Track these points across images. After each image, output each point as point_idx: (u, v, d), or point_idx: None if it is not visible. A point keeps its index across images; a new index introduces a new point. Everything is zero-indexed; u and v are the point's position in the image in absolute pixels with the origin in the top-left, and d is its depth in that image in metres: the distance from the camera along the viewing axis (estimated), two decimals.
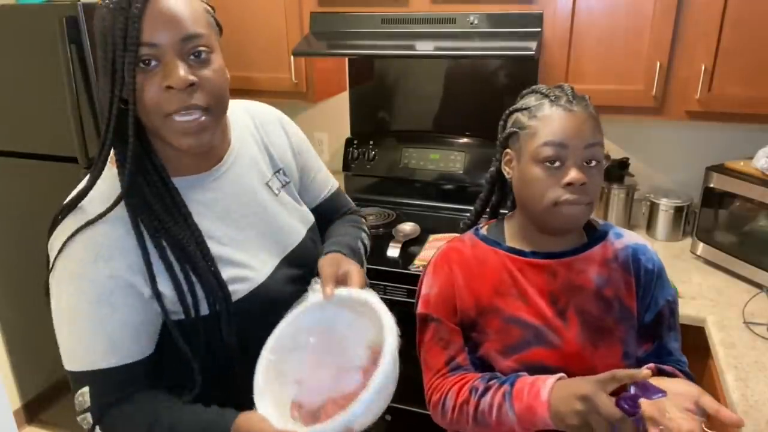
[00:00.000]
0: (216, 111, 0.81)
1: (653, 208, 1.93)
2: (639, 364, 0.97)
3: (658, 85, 1.64)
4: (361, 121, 2.38)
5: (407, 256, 1.81)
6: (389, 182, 2.25)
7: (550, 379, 0.84)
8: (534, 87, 0.96)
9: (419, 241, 1.91)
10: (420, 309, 1.01)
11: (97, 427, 0.83)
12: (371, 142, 2.25)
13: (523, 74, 2.07)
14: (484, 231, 1.04)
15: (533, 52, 1.60)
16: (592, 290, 0.94)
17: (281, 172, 1.02)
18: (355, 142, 2.28)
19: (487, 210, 1.10)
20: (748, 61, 1.57)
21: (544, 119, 0.89)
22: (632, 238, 1.01)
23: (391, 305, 1.89)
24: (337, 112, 2.39)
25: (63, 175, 1.84)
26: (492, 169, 1.05)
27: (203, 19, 0.79)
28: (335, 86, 2.28)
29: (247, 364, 0.84)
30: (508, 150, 0.97)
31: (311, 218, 1.07)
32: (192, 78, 0.76)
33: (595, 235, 0.99)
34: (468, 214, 1.13)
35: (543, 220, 0.91)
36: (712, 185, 1.71)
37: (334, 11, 1.89)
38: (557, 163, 0.87)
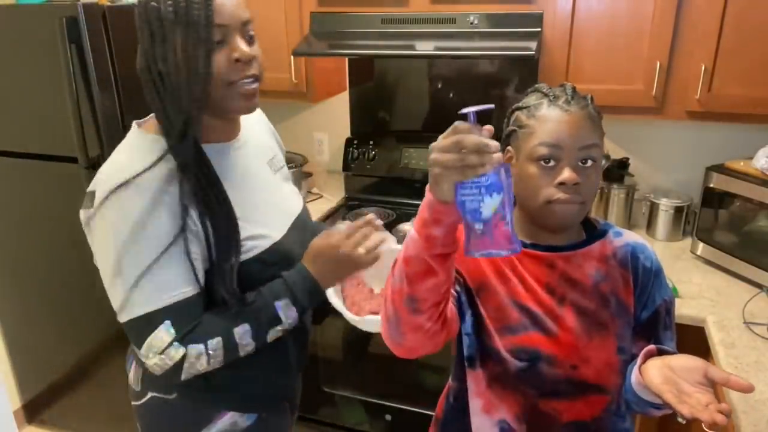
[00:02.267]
0: (261, 80, 0.98)
1: (653, 208, 1.93)
2: (634, 360, 0.97)
3: (658, 85, 1.64)
4: (361, 121, 2.38)
5: None
6: (389, 182, 2.25)
7: None
8: (537, 86, 0.96)
9: None
10: None
11: (188, 348, 0.94)
12: (371, 142, 2.25)
13: (523, 74, 2.07)
14: None
15: (533, 52, 1.60)
16: (589, 285, 0.95)
17: (275, 157, 1.19)
18: (355, 142, 2.28)
19: None
20: (748, 61, 1.57)
21: (541, 119, 0.89)
22: (631, 237, 1.01)
23: None
24: (337, 112, 2.39)
25: (63, 175, 1.84)
26: None
27: (247, 5, 0.96)
28: (335, 86, 2.28)
29: None
30: (509, 147, 0.96)
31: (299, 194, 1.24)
32: (253, 53, 0.94)
33: (594, 232, 1.00)
34: None
35: (538, 217, 0.93)
36: (712, 185, 1.71)
37: (334, 11, 1.89)
38: (552, 163, 0.88)
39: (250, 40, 0.95)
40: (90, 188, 0.94)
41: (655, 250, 1.02)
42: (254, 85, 0.96)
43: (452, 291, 0.92)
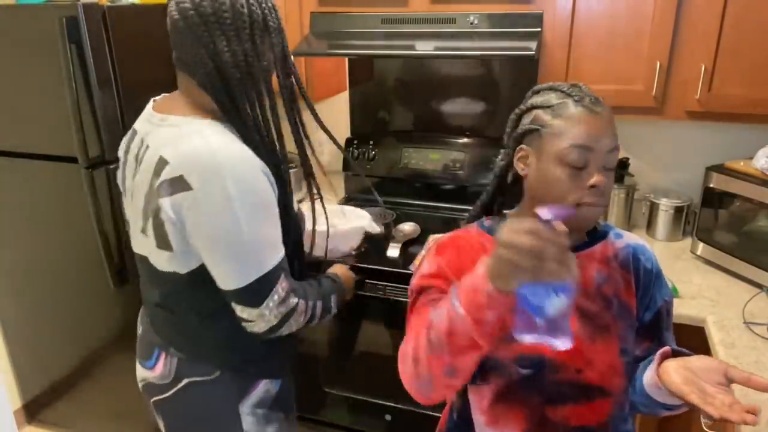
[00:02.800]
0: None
1: (653, 208, 1.93)
2: (637, 361, 0.97)
3: (658, 85, 1.64)
4: (361, 121, 2.38)
5: (407, 256, 1.81)
6: (389, 182, 2.25)
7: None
8: (551, 84, 0.94)
9: (419, 241, 1.91)
10: (415, 282, 0.96)
11: (300, 299, 1.10)
12: (371, 142, 2.25)
13: (523, 74, 2.07)
14: (487, 224, 1.03)
15: (533, 52, 1.60)
16: (592, 287, 0.94)
17: None
18: (355, 142, 2.28)
19: (494, 204, 1.08)
20: (748, 61, 1.57)
21: (570, 119, 0.87)
22: (632, 238, 1.01)
23: (391, 305, 1.90)
24: (337, 112, 2.39)
25: (63, 175, 1.84)
26: (502, 163, 1.03)
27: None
28: (335, 86, 2.28)
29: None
30: (523, 146, 0.94)
31: None
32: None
33: (595, 234, 1.00)
34: (470, 209, 1.11)
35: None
36: (712, 185, 1.71)
37: (334, 11, 1.89)
38: (581, 166, 0.87)
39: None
40: (182, 171, 0.98)
41: (655, 250, 1.02)
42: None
43: None
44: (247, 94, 1.04)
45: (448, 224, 2.05)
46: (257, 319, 1.05)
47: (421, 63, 2.20)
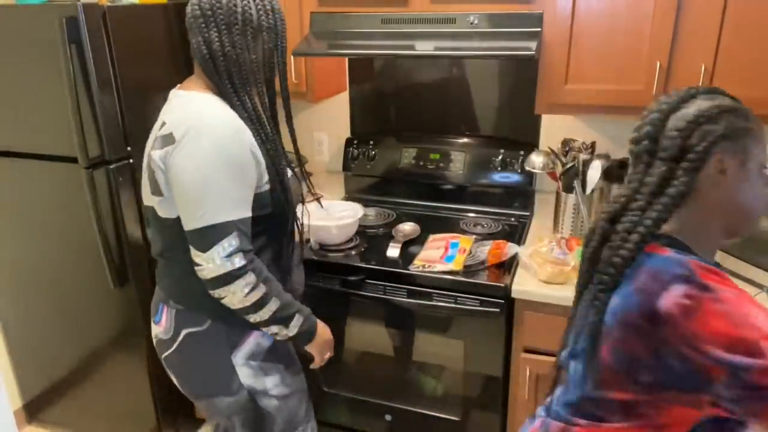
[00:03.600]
0: None
1: None
2: None
3: (658, 85, 1.64)
4: (361, 121, 2.38)
5: (407, 256, 1.81)
6: (389, 182, 2.25)
7: None
8: (716, 88, 0.92)
9: (419, 241, 1.91)
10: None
11: (248, 265, 1.17)
12: (371, 142, 2.25)
13: (523, 74, 2.07)
14: (701, 259, 0.87)
15: (533, 52, 1.60)
16: None
17: None
18: (355, 142, 2.28)
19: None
20: (748, 61, 1.57)
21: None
22: None
23: (391, 305, 1.89)
24: (337, 112, 2.39)
25: (63, 175, 1.84)
26: (685, 179, 0.86)
27: None
28: (335, 86, 2.28)
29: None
30: (722, 156, 0.85)
31: None
32: None
33: None
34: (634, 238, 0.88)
35: (744, 229, 0.90)
36: None
37: (334, 11, 1.89)
38: None
39: None
40: (172, 129, 1.17)
41: None
42: None
43: None
44: (233, 79, 1.22)
45: (448, 224, 2.05)
46: (203, 263, 1.16)
47: (421, 63, 2.20)
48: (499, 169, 2.07)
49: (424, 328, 1.81)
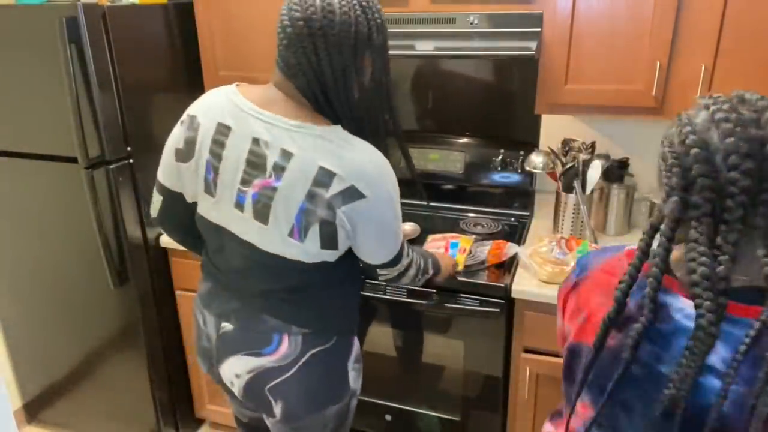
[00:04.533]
0: None
1: (653, 208, 1.93)
2: None
3: (658, 85, 1.64)
4: None
5: None
6: None
7: None
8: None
9: (419, 241, 1.91)
10: None
11: (414, 255, 1.35)
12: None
13: (523, 74, 2.07)
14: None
15: (533, 52, 1.60)
16: None
17: None
18: None
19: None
20: (748, 61, 1.57)
21: None
22: None
23: (391, 305, 1.89)
24: None
25: (63, 175, 1.84)
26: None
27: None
28: None
29: None
30: None
31: None
32: None
33: None
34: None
35: None
36: None
37: None
38: None
39: None
40: (351, 182, 1.10)
41: None
42: None
43: None
44: (342, 105, 1.12)
45: (448, 224, 2.05)
46: (392, 273, 1.29)
47: (420, 63, 2.20)
48: (499, 169, 2.07)
49: (424, 328, 1.81)
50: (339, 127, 1.13)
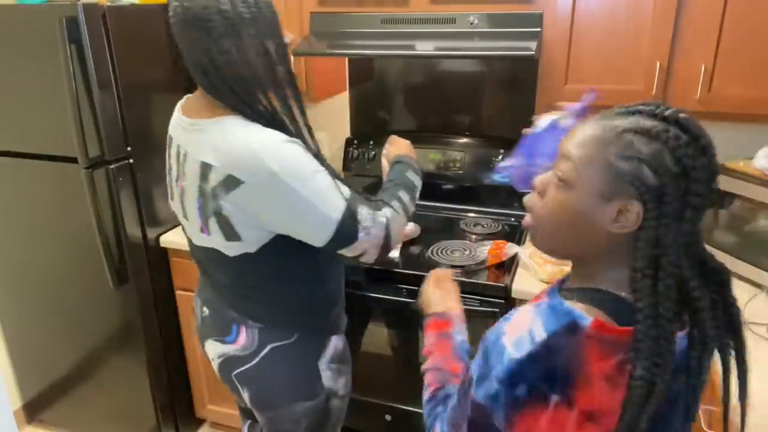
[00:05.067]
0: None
1: None
2: None
3: (658, 85, 1.64)
4: (361, 121, 2.38)
5: (407, 256, 1.81)
6: None
7: None
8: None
9: (419, 241, 1.91)
10: None
11: (385, 210, 1.21)
12: (371, 142, 2.25)
13: (523, 74, 2.07)
14: None
15: (533, 52, 1.60)
16: None
17: None
18: (355, 142, 2.28)
19: None
20: (748, 61, 1.57)
21: None
22: None
23: (391, 305, 1.89)
24: (337, 112, 2.39)
25: (63, 175, 1.84)
26: None
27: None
28: (335, 86, 2.28)
29: None
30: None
31: None
32: None
33: None
34: None
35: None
36: None
37: (334, 11, 1.89)
38: None
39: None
40: (228, 171, 1.07)
41: None
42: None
43: None
44: (235, 91, 1.10)
45: (448, 224, 2.05)
46: (361, 251, 1.18)
47: (420, 63, 2.20)
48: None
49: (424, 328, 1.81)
50: (230, 117, 1.11)
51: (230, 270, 1.24)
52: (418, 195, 1.34)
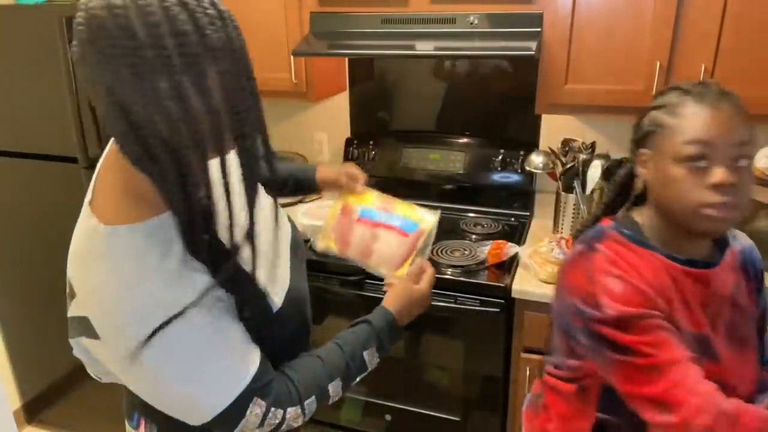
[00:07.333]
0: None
1: None
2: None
3: (658, 85, 1.64)
4: (361, 121, 2.38)
5: None
6: (389, 182, 2.25)
7: None
8: (674, 84, 0.89)
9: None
10: (616, 309, 0.82)
11: (303, 407, 0.88)
12: (371, 142, 2.25)
13: (523, 74, 2.07)
14: (627, 232, 0.92)
15: (533, 52, 1.60)
16: (730, 300, 0.90)
17: None
18: (355, 142, 2.28)
19: (616, 205, 1.03)
20: (748, 61, 1.57)
21: (687, 116, 0.82)
22: (743, 237, 0.99)
23: None
24: (337, 112, 2.39)
25: (63, 175, 1.84)
26: (622, 171, 1.00)
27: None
28: (335, 86, 2.28)
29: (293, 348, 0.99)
30: (642, 150, 0.90)
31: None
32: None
33: (720, 239, 0.94)
34: (593, 211, 1.07)
35: (686, 224, 0.84)
36: None
37: (334, 11, 1.89)
38: (702, 163, 0.80)
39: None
40: (84, 312, 0.78)
41: None
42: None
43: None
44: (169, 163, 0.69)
45: (448, 224, 2.05)
46: None
47: (421, 63, 2.20)
48: (499, 169, 2.07)
49: (424, 328, 1.81)
50: (123, 227, 0.77)
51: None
52: (360, 378, 1.00)
